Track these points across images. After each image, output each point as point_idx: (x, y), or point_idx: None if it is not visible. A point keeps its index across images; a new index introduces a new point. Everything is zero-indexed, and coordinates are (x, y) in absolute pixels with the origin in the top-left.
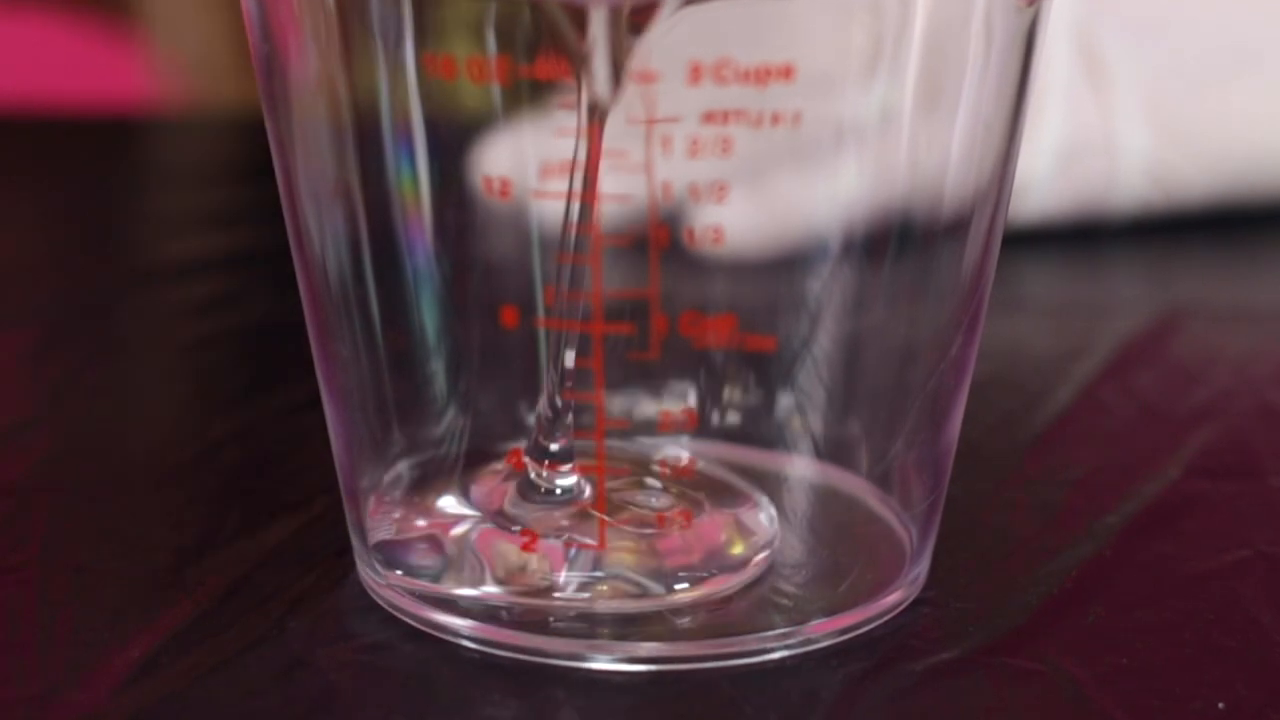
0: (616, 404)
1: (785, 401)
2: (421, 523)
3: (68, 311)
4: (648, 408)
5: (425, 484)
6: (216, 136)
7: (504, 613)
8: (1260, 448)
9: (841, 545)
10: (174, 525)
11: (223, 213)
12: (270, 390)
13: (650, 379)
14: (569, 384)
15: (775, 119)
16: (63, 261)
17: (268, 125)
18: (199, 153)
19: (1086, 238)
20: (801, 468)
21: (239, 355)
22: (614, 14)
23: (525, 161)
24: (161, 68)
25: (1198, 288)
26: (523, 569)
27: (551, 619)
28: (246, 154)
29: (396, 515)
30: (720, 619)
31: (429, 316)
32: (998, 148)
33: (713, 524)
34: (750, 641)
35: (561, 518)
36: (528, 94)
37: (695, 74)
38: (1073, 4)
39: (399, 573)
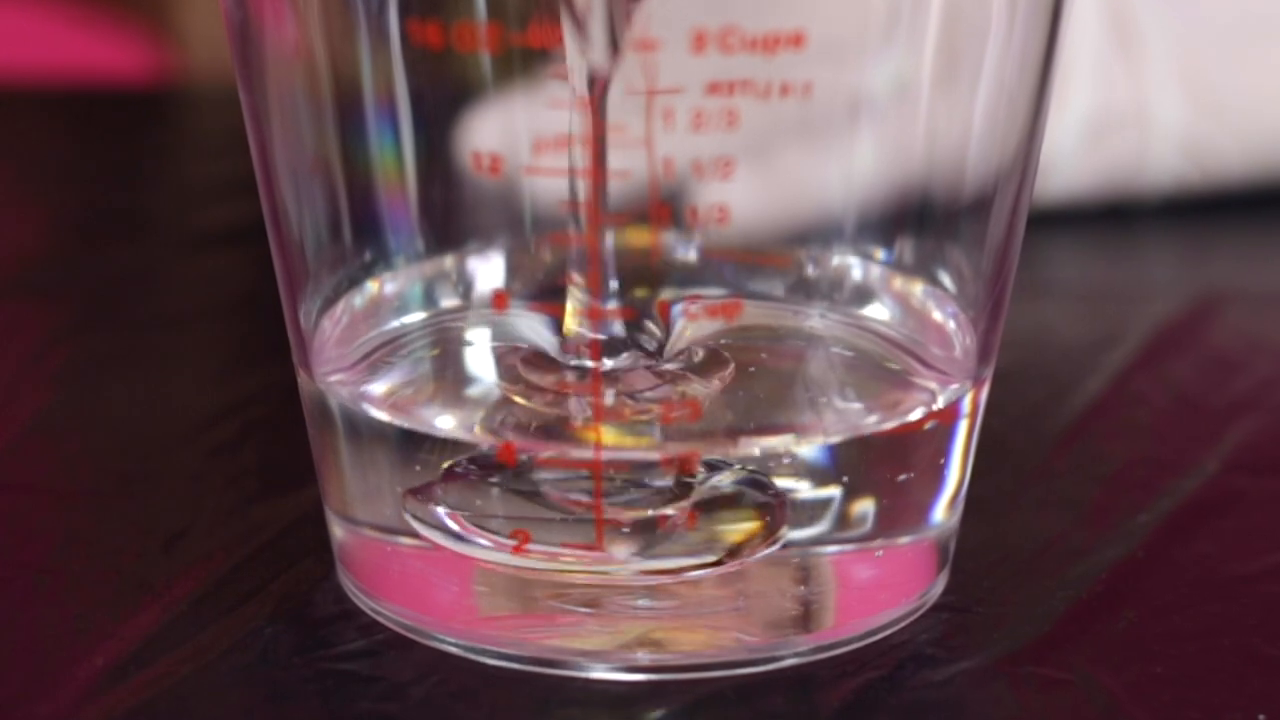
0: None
1: (796, 392)
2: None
3: (29, 295)
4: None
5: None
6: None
7: (491, 612)
8: None
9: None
10: (142, 523)
11: (208, 192)
12: (245, 375)
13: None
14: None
15: (784, 90)
16: (26, 239)
17: (242, 97)
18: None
19: (1117, 217)
20: (809, 471)
21: (216, 335)
22: None
23: (516, 136)
24: (182, 40)
25: (1237, 270)
26: None
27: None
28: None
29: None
30: (724, 622)
31: (413, 301)
32: (1022, 121)
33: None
34: (757, 648)
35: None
36: (519, 63)
37: (699, 41)
38: None
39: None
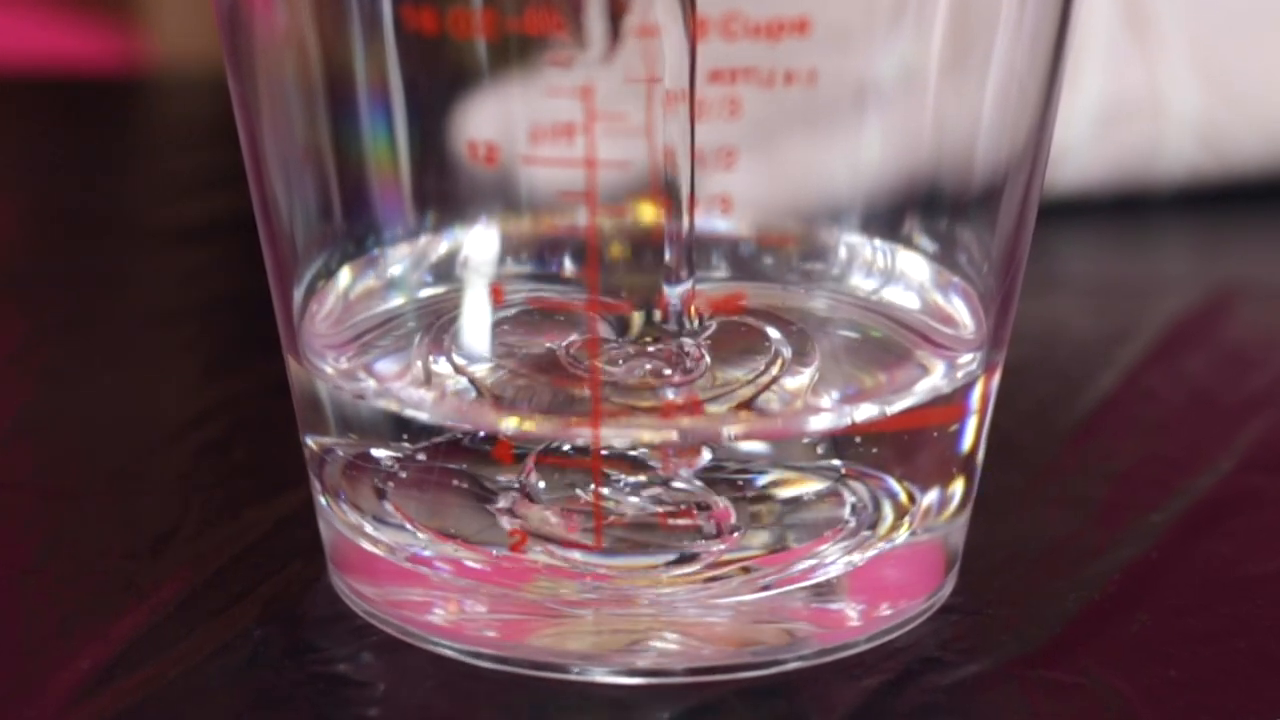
0: (615, 392)
1: (799, 385)
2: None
3: (9, 290)
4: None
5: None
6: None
7: (488, 614)
8: None
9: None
10: (129, 523)
11: (196, 179)
12: (232, 373)
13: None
14: None
15: (788, 78)
16: (11, 229)
17: (231, 85)
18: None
19: (1131, 208)
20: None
21: (205, 331)
22: None
23: (513, 125)
24: (149, 28)
25: (1253, 262)
26: None
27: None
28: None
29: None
30: (726, 625)
31: (406, 289)
32: (1033, 109)
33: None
34: (760, 651)
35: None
36: (516, 51)
37: (701, 28)
38: None
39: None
